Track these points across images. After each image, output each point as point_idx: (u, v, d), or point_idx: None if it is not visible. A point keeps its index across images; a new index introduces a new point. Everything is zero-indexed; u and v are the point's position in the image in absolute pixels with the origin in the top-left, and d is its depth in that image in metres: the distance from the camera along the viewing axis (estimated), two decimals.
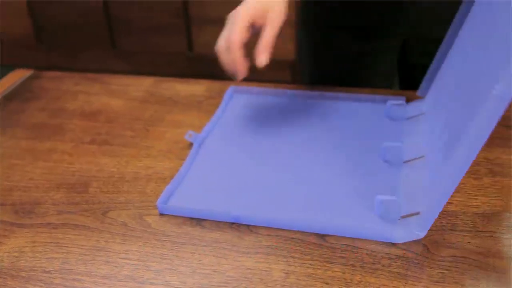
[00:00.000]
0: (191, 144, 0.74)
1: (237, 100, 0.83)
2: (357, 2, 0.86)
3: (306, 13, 0.93)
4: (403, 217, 0.59)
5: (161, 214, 0.63)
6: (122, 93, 0.90)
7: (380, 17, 0.87)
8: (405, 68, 0.96)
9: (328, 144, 0.73)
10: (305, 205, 0.63)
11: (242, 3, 0.71)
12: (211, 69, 2.36)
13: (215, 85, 0.90)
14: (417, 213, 0.59)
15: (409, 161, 0.67)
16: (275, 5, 0.69)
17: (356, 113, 0.79)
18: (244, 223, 0.61)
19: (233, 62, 0.68)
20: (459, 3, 0.83)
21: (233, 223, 0.61)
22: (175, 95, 0.88)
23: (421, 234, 0.57)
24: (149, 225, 0.62)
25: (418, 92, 0.79)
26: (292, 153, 0.72)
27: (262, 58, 0.68)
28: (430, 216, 0.55)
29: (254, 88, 0.86)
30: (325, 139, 0.74)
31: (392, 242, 0.57)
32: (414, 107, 0.78)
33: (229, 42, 0.68)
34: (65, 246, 0.59)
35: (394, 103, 0.78)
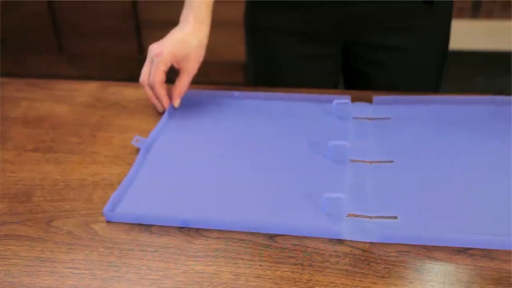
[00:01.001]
0: (138, 149, 0.73)
1: (185, 103, 0.82)
2: (299, 8, 0.87)
3: (252, 17, 0.94)
4: (349, 215, 0.60)
5: (108, 222, 0.62)
6: (67, 99, 0.88)
7: (321, 23, 0.88)
8: (348, 73, 0.98)
9: (275, 144, 0.73)
10: (254, 206, 0.63)
11: (165, 37, 0.80)
12: None
13: None
14: (369, 217, 0.60)
15: (356, 160, 0.69)
16: (194, 51, 0.79)
17: (303, 113, 0.80)
18: (193, 226, 0.60)
19: (157, 97, 0.80)
20: (399, 12, 0.86)
21: (182, 228, 0.61)
22: (122, 99, 0.87)
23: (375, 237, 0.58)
24: (95, 233, 0.60)
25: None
26: (239, 154, 0.72)
27: (177, 102, 0.81)
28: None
29: (201, 91, 0.86)
30: (273, 139, 0.74)
31: (340, 239, 0.58)
32: (361, 108, 0.79)
33: (152, 82, 0.78)
34: (7, 258, 0.58)
35: (340, 102, 0.79)
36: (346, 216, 0.60)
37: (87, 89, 0.90)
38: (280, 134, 0.75)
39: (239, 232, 0.60)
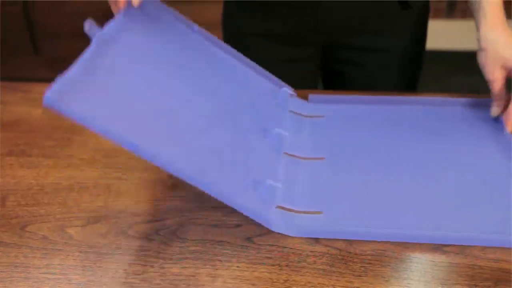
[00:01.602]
0: (114, 152, 0.73)
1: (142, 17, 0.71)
2: (278, 12, 0.87)
3: (230, 21, 0.94)
4: (278, 207, 0.61)
5: (84, 226, 0.61)
6: (41, 102, 0.86)
7: (300, 26, 0.88)
8: (326, 74, 0.98)
9: (218, 114, 0.70)
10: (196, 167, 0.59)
11: None
12: None
13: None
14: (295, 211, 0.61)
15: (289, 154, 0.69)
16: None
17: (251, 95, 0.77)
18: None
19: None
20: (377, 13, 0.86)
21: (159, 230, 0.60)
22: None
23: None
24: (71, 237, 0.60)
25: None
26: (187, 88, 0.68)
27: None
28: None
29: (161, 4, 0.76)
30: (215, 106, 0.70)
31: (315, 238, 0.59)
32: (298, 104, 0.80)
33: None
34: None
35: (290, 93, 0.79)
36: (276, 207, 0.61)
37: None
38: (223, 105, 0.72)
39: (216, 234, 0.60)
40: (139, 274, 0.55)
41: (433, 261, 0.56)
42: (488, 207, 0.61)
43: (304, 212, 0.61)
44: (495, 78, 0.74)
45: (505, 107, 0.74)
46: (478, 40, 0.75)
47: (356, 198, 0.63)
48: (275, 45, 0.91)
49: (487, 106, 0.77)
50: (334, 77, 0.97)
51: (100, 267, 0.56)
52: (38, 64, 2.41)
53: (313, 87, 0.98)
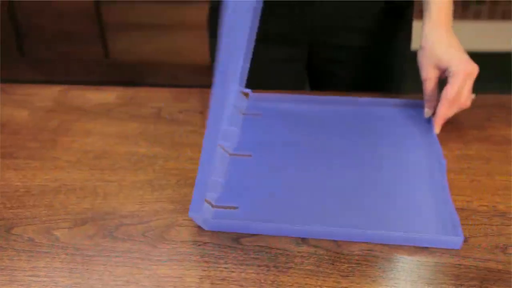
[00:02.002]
0: (100, 154, 0.72)
1: None
2: (264, 13, 0.87)
3: (216, 22, 0.94)
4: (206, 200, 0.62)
5: (70, 228, 0.61)
6: (27, 103, 0.86)
7: (287, 26, 0.88)
8: (313, 73, 0.98)
9: None
10: None
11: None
12: (129, 75, 2.33)
13: (127, 91, 0.89)
14: (213, 205, 0.63)
15: (221, 147, 0.70)
16: None
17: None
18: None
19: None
20: (364, 12, 0.87)
21: (146, 232, 0.60)
22: (84, 103, 0.85)
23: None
24: (57, 239, 0.59)
25: None
26: None
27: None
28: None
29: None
30: None
31: (303, 238, 0.59)
32: (238, 100, 0.80)
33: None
34: None
35: (244, 91, 0.80)
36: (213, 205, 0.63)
37: (48, 93, 0.88)
38: None
39: (204, 235, 0.60)
40: (125, 276, 0.55)
41: (420, 261, 0.56)
42: (425, 207, 0.62)
43: (221, 207, 0.63)
44: (429, 77, 0.74)
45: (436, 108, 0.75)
46: (421, 38, 0.76)
47: (275, 195, 0.64)
48: (261, 46, 0.91)
49: (420, 107, 0.79)
50: (321, 76, 0.97)
51: (86, 269, 0.56)
52: (24, 65, 2.39)
53: (300, 87, 0.98)
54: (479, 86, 0.78)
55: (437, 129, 0.74)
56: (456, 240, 0.57)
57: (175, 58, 2.23)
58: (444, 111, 0.73)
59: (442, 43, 0.74)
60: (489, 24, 2.48)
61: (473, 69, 0.72)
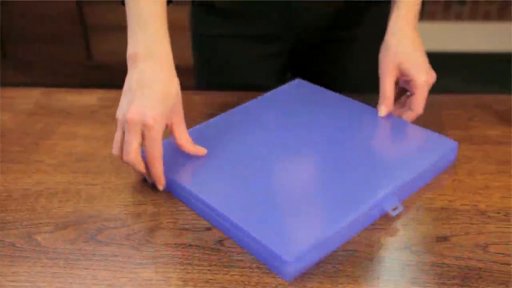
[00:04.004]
0: (84, 157, 0.72)
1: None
2: (247, 14, 0.87)
3: (197, 23, 0.94)
4: None
5: (52, 232, 0.60)
6: (9, 106, 0.85)
7: (271, 26, 0.89)
8: (296, 70, 0.99)
9: None
10: None
11: (133, 93, 0.61)
12: (112, 77, 2.31)
13: (111, 93, 0.88)
14: None
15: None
16: (178, 97, 0.63)
17: None
18: None
19: (154, 175, 0.63)
20: (347, 7, 0.87)
21: (129, 235, 0.60)
22: (66, 106, 0.85)
23: None
24: (38, 244, 0.59)
25: None
26: None
27: (199, 151, 0.67)
28: None
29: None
30: None
31: None
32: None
33: (152, 159, 0.62)
34: None
35: None
36: None
37: (31, 96, 0.88)
38: None
39: (187, 238, 0.59)
40: (108, 280, 0.54)
41: (402, 260, 0.56)
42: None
43: None
44: (389, 75, 0.74)
45: (403, 105, 0.75)
46: (387, 32, 0.76)
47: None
48: (243, 45, 0.91)
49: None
50: (305, 71, 0.97)
51: (69, 273, 0.55)
52: (7, 68, 2.36)
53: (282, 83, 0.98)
54: (462, 86, 0.79)
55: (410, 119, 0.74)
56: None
57: None
58: (412, 120, 0.74)
59: (407, 44, 0.74)
60: (471, 24, 2.51)
61: (433, 77, 0.73)
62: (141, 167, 0.63)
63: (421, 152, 0.68)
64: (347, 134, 0.72)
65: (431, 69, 0.73)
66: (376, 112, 0.75)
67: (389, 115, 0.75)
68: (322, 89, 0.82)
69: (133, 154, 0.61)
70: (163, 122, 0.62)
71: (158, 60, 0.63)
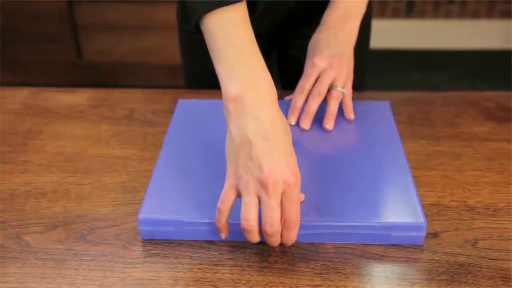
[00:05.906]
0: (73, 156, 0.71)
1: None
2: None
3: (183, 19, 0.94)
4: None
5: (42, 232, 0.60)
6: None
7: (256, 23, 0.89)
8: (282, 66, 0.99)
9: None
10: None
11: (264, 150, 0.53)
12: (102, 76, 2.30)
13: (100, 93, 0.88)
14: None
15: None
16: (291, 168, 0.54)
17: None
18: None
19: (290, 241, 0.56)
20: (320, 7, 0.87)
21: (119, 235, 0.60)
22: (55, 106, 0.84)
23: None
24: (28, 244, 0.58)
25: None
26: None
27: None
28: None
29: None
30: None
31: None
32: None
33: (295, 224, 0.54)
34: None
35: None
36: None
37: (18, 96, 0.87)
38: None
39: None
40: (99, 280, 0.54)
41: (392, 257, 0.57)
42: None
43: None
44: (307, 72, 0.74)
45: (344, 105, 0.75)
46: (322, 21, 0.77)
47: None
48: None
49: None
50: (290, 69, 0.97)
51: (58, 274, 0.55)
52: None
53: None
54: (451, 83, 0.79)
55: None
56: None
57: (149, 59, 2.22)
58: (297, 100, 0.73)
59: (322, 39, 0.75)
60: (460, 22, 2.52)
61: (320, 62, 0.73)
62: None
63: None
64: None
65: (327, 56, 0.73)
66: None
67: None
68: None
69: (277, 224, 0.53)
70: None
71: (270, 103, 0.55)
